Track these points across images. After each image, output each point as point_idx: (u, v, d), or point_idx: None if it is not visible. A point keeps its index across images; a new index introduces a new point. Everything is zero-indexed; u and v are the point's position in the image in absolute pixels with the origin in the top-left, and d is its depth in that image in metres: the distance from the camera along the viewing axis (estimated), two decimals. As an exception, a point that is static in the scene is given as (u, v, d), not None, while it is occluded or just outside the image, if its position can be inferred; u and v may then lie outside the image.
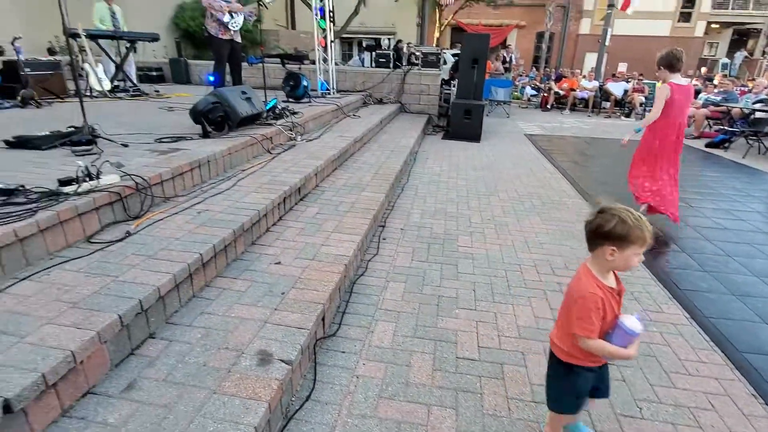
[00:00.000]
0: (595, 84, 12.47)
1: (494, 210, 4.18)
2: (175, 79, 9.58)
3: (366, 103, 8.43)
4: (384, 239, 3.37)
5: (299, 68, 8.73)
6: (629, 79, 12.62)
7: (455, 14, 20.51)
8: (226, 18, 4.84)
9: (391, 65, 9.17)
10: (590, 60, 21.39)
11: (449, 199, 4.42)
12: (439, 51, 9.39)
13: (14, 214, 1.96)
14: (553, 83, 13.13)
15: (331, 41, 7.80)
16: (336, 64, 8.47)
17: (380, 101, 8.74)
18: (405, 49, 12.16)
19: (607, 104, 12.09)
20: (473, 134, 7.58)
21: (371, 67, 10.26)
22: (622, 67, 18.98)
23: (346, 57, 22.71)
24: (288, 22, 20.28)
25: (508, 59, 13.18)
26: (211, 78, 8.45)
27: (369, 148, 5.64)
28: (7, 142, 3.23)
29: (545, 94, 13.04)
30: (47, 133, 3.36)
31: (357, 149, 5.37)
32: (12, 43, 5.67)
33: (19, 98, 5.27)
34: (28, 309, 1.64)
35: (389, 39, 20.57)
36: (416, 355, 2.11)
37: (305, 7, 12.63)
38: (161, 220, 2.48)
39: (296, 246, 2.70)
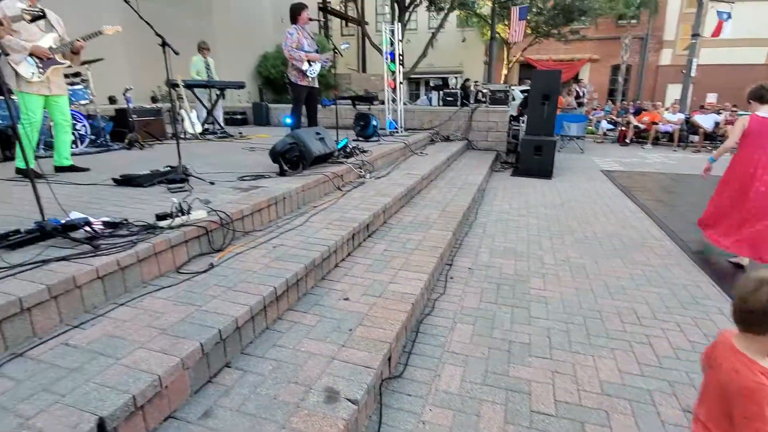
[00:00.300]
0: (681, 116, 11.66)
1: (569, 251, 3.96)
2: (257, 122, 10.42)
3: (433, 140, 8.54)
4: (451, 278, 3.31)
5: (369, 108, 9.14)
6: (720, 111, 11.65)
7: (524, 51, 20.49)
8: (305, 66, 5.24)
9: (459, 103, 9.28)
10: (673, 91, 20.14)
11: (519, 238, 4.27)
12: (508, 88, 9.37)
13: (118, 245, 2.20)
14: (631, 116, 12.48)
15: (400, 83, 8.11)
16: (404, 103, 8.74)
17: (447, 138, 8.82)
18: (472, 88, 12.28)
19: (696, 138, 11.20)
20: (544, 170, 7.35)
21: (439, 105, 10.44)
22: (712, 98, 17.63)
23: (413, 96, 23.39)
24: (359, 65, 21.43)
25: (581, 93, 12.80)
26: (288, 120, 9.10)
27: (436, 185, 5.67)
28: (115, 180, 3.67)
29: (623, 128, 12.40)
30: (148, 172, 3.78)
31: (424, 186, 5.41)
32: (124, 94, 6.55)
33: (126, 141, 6.02)
34: (124, 333, 1.80)
35: (456, 78, 20.93)
36: (486, 405, 2.00)
37: (376, 52, 13.32)
38: (240, 253, 2.65)
39: (364, 282, 2.73)
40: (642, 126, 11.97)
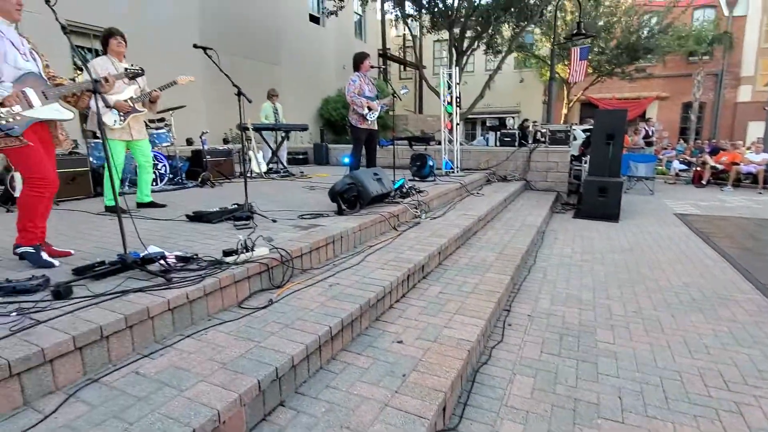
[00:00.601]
0: (765, 156, 10.72)
1: (641, 301, 3.66)
2: (317, 161, 10.90)
3: (489, 180, 8.45)
4: (509, 325, 3.16)
5: (425, 149, 9.29)
6: (813, 150, 10.58)
7: (585, 90, 20.07)
8: (365, 111, 5.49)
9: (517, 143, 9.19)
10: (755, 129, 18.68)
11: (584, 285, 4.03)
12: (569, 128, 9.16)
13: (188, 279, 2.34)
14: (708, 156, 11.65)
15: (457, 124, 8.20)
16: (460, 143, 8.80)
17: (504, 179, 8.69)
18: (531, 127, 12.14)
19: (785, 179, 10.20)
20: (610, 213, 6.98)
21: (496, 145, 10.40)
22: (801, 136, 16.08)
23: (469, 136, 23.50)
24: (416, 107, 22.02)
25: (649, 132, 12.21)
26: (346, 160, 9.47)
27: (493, 226, 5.55)
28: (188, 216, 3.96)
29: (698, 169, 11.59)
30: (217, 209, 4.04)
31: (480, 227, 5.32)
32: (200, 137, 7.16)
33: (199, 180, 6.52)
34: (188, 365, 1.88)
35: (513, 117, 20.82)
36: (549, 469, 1.84)
37: (432, 94, 13.66)
38: (298, 290, 2.72)
39: (418, 326, 2.68)
40: (720, 166, 11.12)
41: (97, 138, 5.88)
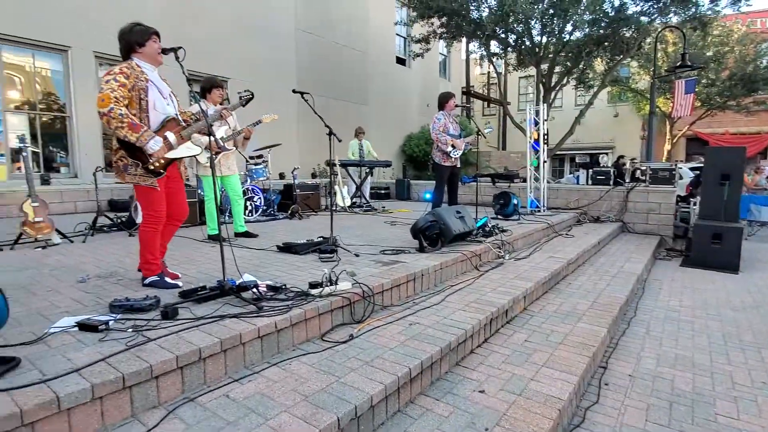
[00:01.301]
0: None
1: (772, 370, 3.12)
2: (399, 196, 11.11)
3: (580, 221, 7.95)
4: (606, 385, 2.86)
5: (509, 186, 9.06)
6: None
7: (692, 125, 18.38)
8: (449, 149, 5.54)
9: (611, 182, 8.59)
10: None
11: (696, 346, 3.54)
12: (673, 166, 8.38)
13: (276, 308, 2.46)
14: None
15: (544, 161, 7.91)
16: (547, 181, 8.45)
17: (597, 219, 8.12)
18: (628, 165, 11.32)
19: None
20: (727, 262, 6.15)
21: (587, 184, 9.83)
22: None
23: (556, 173, 22.51)
24: (499, 143, 21.72)
25: (774, 172, 10.73)
26: (428, 196, 9.53)
27: (584, 271, 5.17)
28: (278, 247, 4.22)
29: (842, 215, 9.84)
30: (305, 241, 4.26)
31: (570, 272, 4.98)
32: (292, 172, 7.70)
33: (289, 212, 6.95)
34: (273, 393, 1.95)
35: (607, 154, 19.60)
36: None
37: (517, 130, 13.39)
38: (378, 327, 2.73)
39: (501, 375, 2.53)
40: None
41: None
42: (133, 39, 2.72)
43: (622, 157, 14.08)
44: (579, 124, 12.92)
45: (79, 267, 3.49)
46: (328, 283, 2.75)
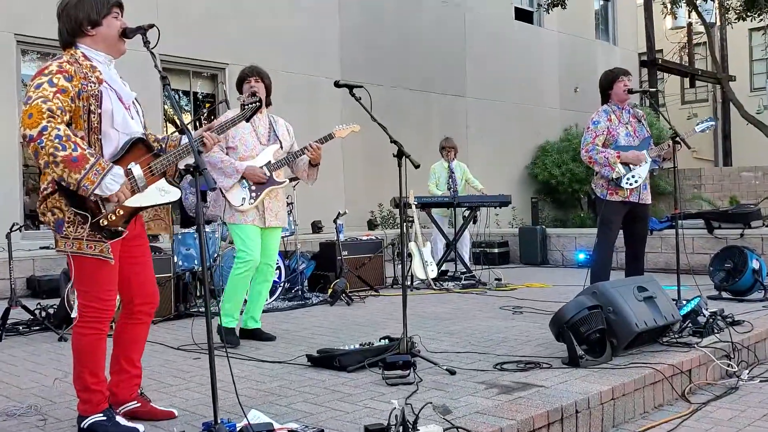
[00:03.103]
0: None
1: None
2: (524, 258, 11.00)
3: None
4: None
5: (742, 235, 8.61)
6: None
7: None
8: (615, 174, 5.41)
9: None
10: None
11: None
12: None
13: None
14: None
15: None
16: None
17: None
18: None
19: None
20: None
21: None
22: None
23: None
24: (717, 153, 20.94)
25: None
26: (582, 256, 9.31)
27: None
28: (310, 358, 4.27)
29: None
30: (356, 346, 4.29)
31: None
32: (334, 221, 7.92)
33: (330, 291, 7.09)
34: None
35: None
36: None
37: (749, 128, 12.86)
38: None
39: None
40: None
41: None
42: (82, 15, 2.99)
43: None
44: None
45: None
46: (401, 429, 2.72)
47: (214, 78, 11.55)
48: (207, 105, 11.83)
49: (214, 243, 7.13)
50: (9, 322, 5.49)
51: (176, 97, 10.63)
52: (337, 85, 4.26)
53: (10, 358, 4.74)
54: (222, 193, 4.76)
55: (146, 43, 2.85)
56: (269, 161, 4.91)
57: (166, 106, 10.78)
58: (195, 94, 11.61)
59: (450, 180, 9.30)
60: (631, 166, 5.48)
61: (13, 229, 5.84)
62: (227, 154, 4.84)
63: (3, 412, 3.35)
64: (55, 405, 3.48)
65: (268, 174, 4.87)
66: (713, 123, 6.03)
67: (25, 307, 5.73)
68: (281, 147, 5.04)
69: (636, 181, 5.51)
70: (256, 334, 5.12)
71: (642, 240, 5.81)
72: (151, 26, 2.90)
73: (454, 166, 9.37)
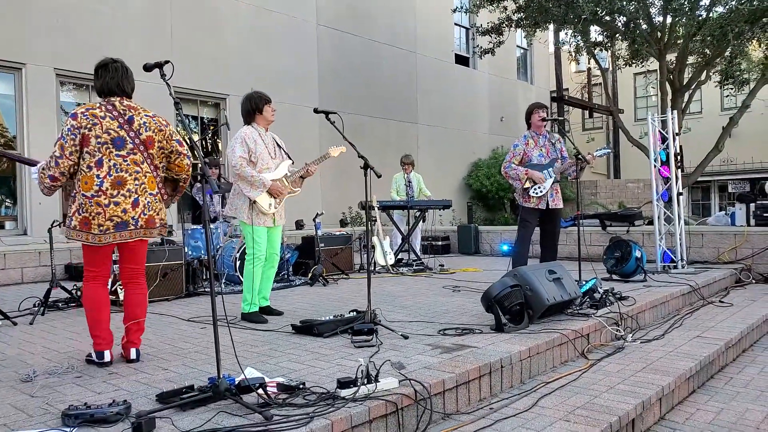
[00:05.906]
0: None
1: None
2: (462, 249, 11.11)
3: (741, 281, 7.63)
4: None
5: (628, 231, 8.87)
6: None
7: None
8: (527, 185, 5.61)
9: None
10: None
11: None
12: None
13: (292, 418, 2.46)
14: None
15: (679, 193, 7.70)
16: (685, 222, 8.17)
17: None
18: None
19: None
20: None
21: (748, 225, 9.42)
22: None
23: (700, 210, 21.73)
24: (609, 169, 21.39)
25: None
26: (506, 247, 9.45)
27: (754, 358, 4.90)
28: (294, 327, 4.28)
29: None
30: (330, 317, 4.30)
31: (730, 360, 4.76)
32: (314, 219, 7.90)
33: (310, 275, 7.09)
34: None
35: (777, 179, 18.80)
36: None
37: (634, 150, 13.19)
38: (438, 446, 2.67)
39: None
40: None
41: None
42: None
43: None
44: (729, 137, 12.58)
45: (24, 360, 3.67)
46: (365, 380, 2.75)
47: (218, 105, 11.56)
48: (211, 127, 11.90)
49: (217, 237, 7.20)
50: (50, 300, 5.41)
51: (186, 120, 10.55)
52: (315, 111, 4.33)
53: (51, 329, 4.66)
54: (250, 201, 4.74)
55: (163, 75, 2.87)
56: (286, 174, 4.94)
57: (178, 128, 10.65)
58: (202, 118, 11.56)
59: (408, 188, 9.44)
60: (535, 180, 5.68)
61: (53, 225, 5.86)
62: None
63: (46, 372, 3.31)
64: (89, 366, 3.44)
65: (287, 185, 4.92)
66: (609, 150, 6.30)
67: (63, 288, 5.72)
68: (292, 162, 5.07)
69: (541, 191, 5.71)
70: (267, 310, 5.07)
71: (551, 235, 5.99)
72: (167, 62, 2.93)
73: (411, 177, 9.52)
